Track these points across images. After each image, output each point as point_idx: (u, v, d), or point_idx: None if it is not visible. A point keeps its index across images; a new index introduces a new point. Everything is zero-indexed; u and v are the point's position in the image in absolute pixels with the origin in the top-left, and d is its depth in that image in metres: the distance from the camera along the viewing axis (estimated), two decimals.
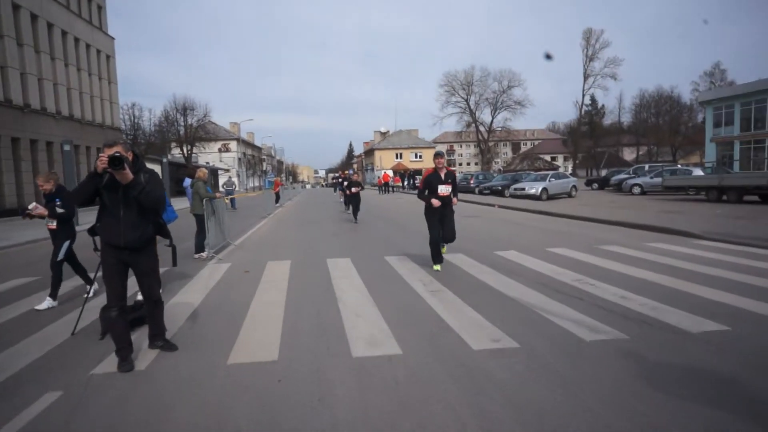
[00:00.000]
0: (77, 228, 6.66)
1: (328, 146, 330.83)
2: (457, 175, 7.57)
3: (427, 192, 7.41)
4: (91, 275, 5.95)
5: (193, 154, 56.57)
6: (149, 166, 4.39)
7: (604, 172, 53.45)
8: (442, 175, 7.30)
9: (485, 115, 72.43)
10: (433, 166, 7.43)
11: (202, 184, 9.50)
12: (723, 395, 3.19)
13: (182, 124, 57.50)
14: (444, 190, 7.27)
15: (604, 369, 3.68)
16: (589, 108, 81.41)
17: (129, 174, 3.89)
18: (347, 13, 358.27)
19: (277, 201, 27.40)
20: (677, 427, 2.82)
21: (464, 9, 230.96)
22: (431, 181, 7.35)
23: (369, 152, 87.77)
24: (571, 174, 67.23)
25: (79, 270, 6.42)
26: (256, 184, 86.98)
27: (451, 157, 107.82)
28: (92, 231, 4.25)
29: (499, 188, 27.98)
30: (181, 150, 56.63)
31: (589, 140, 78.24)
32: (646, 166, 30.58)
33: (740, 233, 10.12)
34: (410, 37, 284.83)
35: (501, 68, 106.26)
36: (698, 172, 23.55)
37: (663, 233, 11.05)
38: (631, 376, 3.52)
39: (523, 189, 24.52)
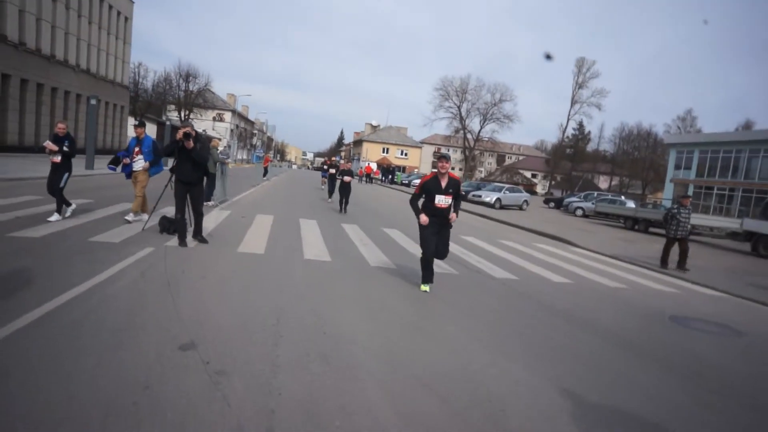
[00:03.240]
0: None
1: (319, 130, 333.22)
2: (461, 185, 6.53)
3: (422, 201, 6.43)
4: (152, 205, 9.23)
5: (190, 120, 59.15)
6: (149, 125, 7.74)
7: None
8: (443, 184, 6.17)
9: (474, 124, 75.65)
10: (432, 171, 6.54)
11: (215, 151, 12.81)
12: (494, 301, 6.71)
13: (183, 89, 60.21)
14: (442, 201, 6.15)
15: (441, 282, 7.18)
16: (576, 132, 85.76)
17: (191, 143, 7.26)
18: (357, 4, 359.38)
19: (264, 174, 30.72)
20: (458, 307, 6.32)
21: (470, 14, 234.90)
22: (429, 189, 6.21)
23: (358, 142, 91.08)
24: (546, 193, 71.41)
25: (63, 198, 8.38)
26: (244, 157, 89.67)
27: (437, 160, 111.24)
28: (172, 171, 7.59)
29: (462, 193, 31.48)
30: (179, 114, 59.25)
31: (569, 163, 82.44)
32: (595, 194, 34.57)
33: (605, 249, 13.78)
34: (416, 34, 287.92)
35: (496, 81, 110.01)
36: (630, 204, 27.46)
37: (555, 240, 14.71)
38: (446, 286, 7.02)
39: (480, 196, 28.21)
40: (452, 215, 6.32)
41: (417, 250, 9.39)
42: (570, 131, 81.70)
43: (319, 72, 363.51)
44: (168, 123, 34.31)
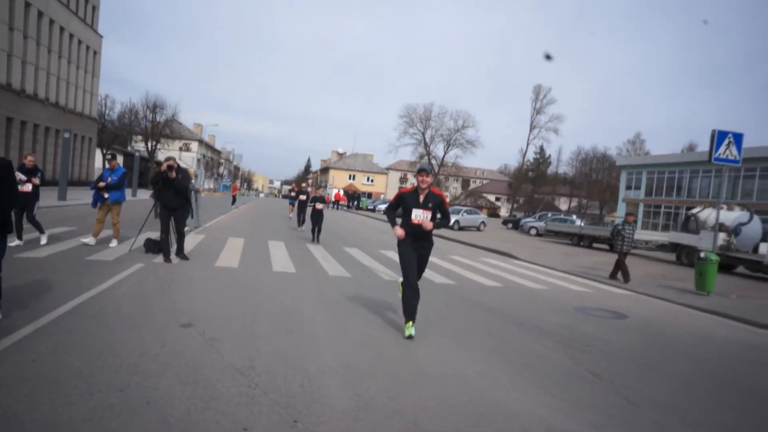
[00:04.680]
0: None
1: (286, 158, 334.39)
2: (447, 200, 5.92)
3: (399, 214, 5.85)
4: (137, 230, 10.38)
5: (157, 150, 59.71)
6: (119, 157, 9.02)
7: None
8: (421, 198, 5.59)
9: (438, 150, 77.80)
10: (412, 185, 5.92)
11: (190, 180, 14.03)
12: (432, 299, 8.14)
13: (150, 120, 60.88)
14: (420, 216, 5.54)
15: (385, 286, 8.56)
16: (537, 156, 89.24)
17: (174, 174, 8.57)
18: (326, 30, 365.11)
19: (233, 203, 31.80)
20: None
21: (437, 41, 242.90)
22: (406, 202, 5.66)
23: (324, 170, 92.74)
24: (510, 215, 73.97)
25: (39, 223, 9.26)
26: (212, 186, 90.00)
27: (404, 185, 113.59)
28: (156, 198, 8.84)
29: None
30: (146, 144, 59.78)
31: (530, 186, 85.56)
32: (549, 214, 36.82)
33: (544, 261, 15.45)
34: (382, 63, 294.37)
35: (458, 108, 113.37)
36: (579, 223, 29.60)
37: (500, 254, 16.34)
38: (390, 289, 8.41)
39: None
40: (428, 223, 5.55)
41: (372, 263, 10.92)
42: (531, 155, 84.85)
43: (286, 101, 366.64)
44: (137, 154, 35.17)
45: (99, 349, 4.07)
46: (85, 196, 25.18)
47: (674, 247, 19.47)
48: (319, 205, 15.02)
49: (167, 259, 8.57)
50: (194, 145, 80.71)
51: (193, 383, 3.59)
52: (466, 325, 6.36)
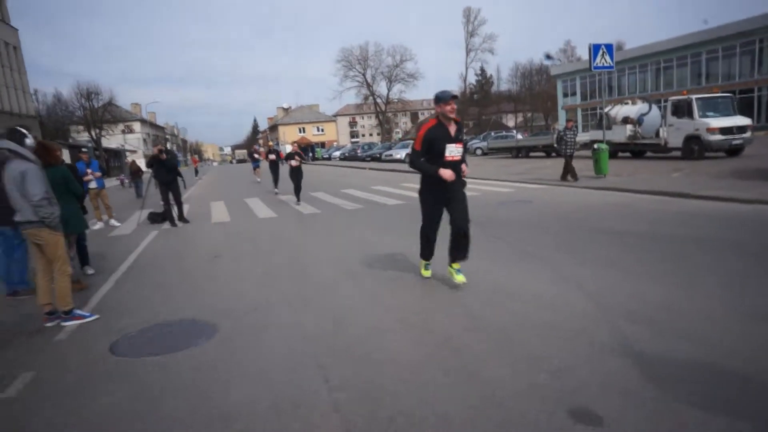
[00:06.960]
0: None
1: (232, 123, 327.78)
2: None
3: (428, 157, 4.75)
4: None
5: (103, 137, 59.11)
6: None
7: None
8: (452, 131, 4.71)
9: (382, 88, 78.54)
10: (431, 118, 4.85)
11: None
12: (383, 215, 10.50)
13: (87, 107, 59.63)
14: (455, 152, 4.70)
15: (348, 214, 10.87)
16: (480, 78, 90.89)
17: (164, 156, 10.52)
18: None
19: (196, 174, 33.30)
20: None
21: None
22: (435, 139, 4.66)
23: (273, 128, 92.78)
24: None
25: None
26: None
27: (354, 129, 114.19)
28: (154, 177, 10.77)
29: (378, 155, 35.52)
30: (89, 133, 58.96)
31: (477, 108, 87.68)
32: (493, 133, 39.48)
33: (483, 174, 18.00)
34: (310, 9, 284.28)
35: (393, 43, 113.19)
36: (519, 137, 32.32)
37: None
38: (348, 215, 10.74)
39: (391, 155, 32.16)
40: (464, 168, 4.92)
41: (336, 201, 13.23)
42: (473, 78, 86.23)
43: (222, 65, 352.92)
44: (90, 145, 35.74)
45: (168, 272, 6.34)
46: None
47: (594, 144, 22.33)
48: (294, 162, 14.03)
49: (173, 224, 10.64)
50: (137, 126, 79.40)
51: (238, 280, 5.91)
52: (408, 225, 8.78)
